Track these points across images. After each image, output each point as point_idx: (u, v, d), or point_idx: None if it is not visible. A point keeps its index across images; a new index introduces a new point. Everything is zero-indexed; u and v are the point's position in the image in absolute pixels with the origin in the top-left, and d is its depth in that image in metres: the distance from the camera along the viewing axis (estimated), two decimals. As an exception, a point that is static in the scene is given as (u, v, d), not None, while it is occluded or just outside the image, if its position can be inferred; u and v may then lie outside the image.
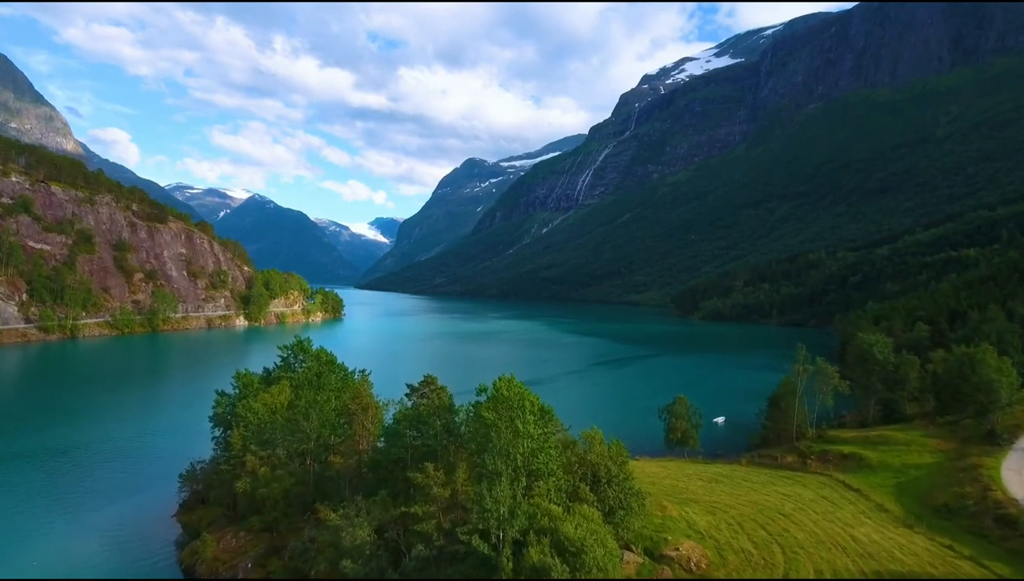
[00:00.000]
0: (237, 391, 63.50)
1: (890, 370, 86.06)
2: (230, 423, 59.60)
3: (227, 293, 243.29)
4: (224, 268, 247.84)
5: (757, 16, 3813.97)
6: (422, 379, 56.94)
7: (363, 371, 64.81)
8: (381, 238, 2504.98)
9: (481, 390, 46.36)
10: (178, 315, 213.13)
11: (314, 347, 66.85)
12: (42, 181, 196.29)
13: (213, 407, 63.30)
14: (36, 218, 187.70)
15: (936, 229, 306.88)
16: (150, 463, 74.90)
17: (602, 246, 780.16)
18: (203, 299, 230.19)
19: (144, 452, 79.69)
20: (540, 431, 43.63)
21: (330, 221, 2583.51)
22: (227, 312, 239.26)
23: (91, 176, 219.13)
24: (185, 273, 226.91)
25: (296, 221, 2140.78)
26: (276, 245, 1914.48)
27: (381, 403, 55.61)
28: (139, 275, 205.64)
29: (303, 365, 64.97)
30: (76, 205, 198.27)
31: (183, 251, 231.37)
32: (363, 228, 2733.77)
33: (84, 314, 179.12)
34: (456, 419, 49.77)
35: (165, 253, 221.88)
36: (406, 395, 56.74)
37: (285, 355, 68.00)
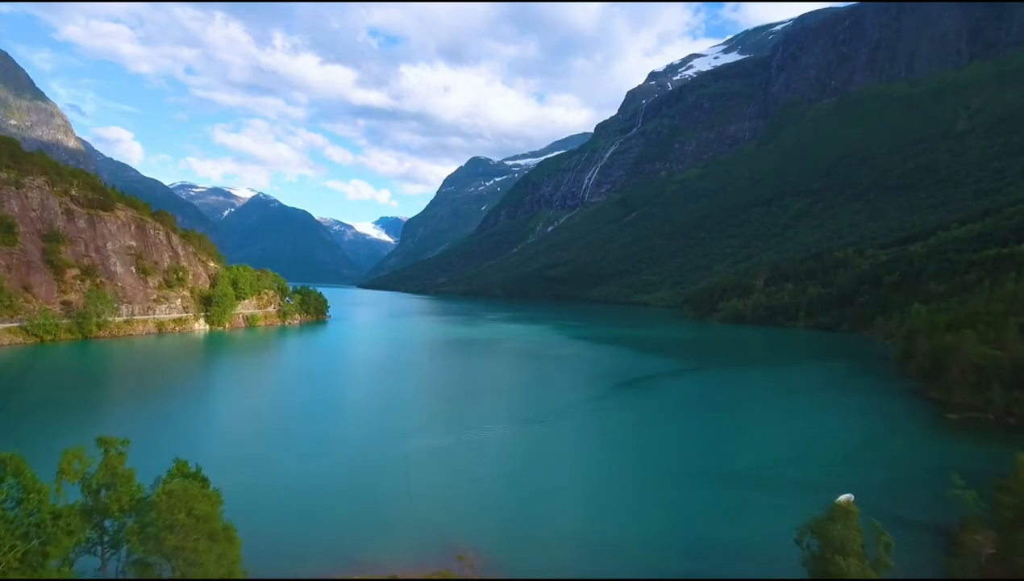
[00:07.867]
0: None
1: None
2: None
3: (185, 292, 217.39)
4: (183, 263, 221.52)
5: (762, 12, 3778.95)
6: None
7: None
8: (385, 237, 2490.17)
9: None
10: (120, 319, 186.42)
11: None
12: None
13: None
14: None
15: (973, 225, 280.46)
16: None
17: (609, 245, 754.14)
18: (154, 299, 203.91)
19: None
20: None
21: (334, 220, 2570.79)
22: (184, 314, 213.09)
23: (23, 156, 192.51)
24: (134, 269, 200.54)
25: (300, 220, 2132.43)
26: (280, 244, 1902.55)
27: None
28: (73, 271, 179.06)
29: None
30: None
31: (133, 244, 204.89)
32: (367, 227, 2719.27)
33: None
34: None
35: (109, 246, 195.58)
36: None
37: None
